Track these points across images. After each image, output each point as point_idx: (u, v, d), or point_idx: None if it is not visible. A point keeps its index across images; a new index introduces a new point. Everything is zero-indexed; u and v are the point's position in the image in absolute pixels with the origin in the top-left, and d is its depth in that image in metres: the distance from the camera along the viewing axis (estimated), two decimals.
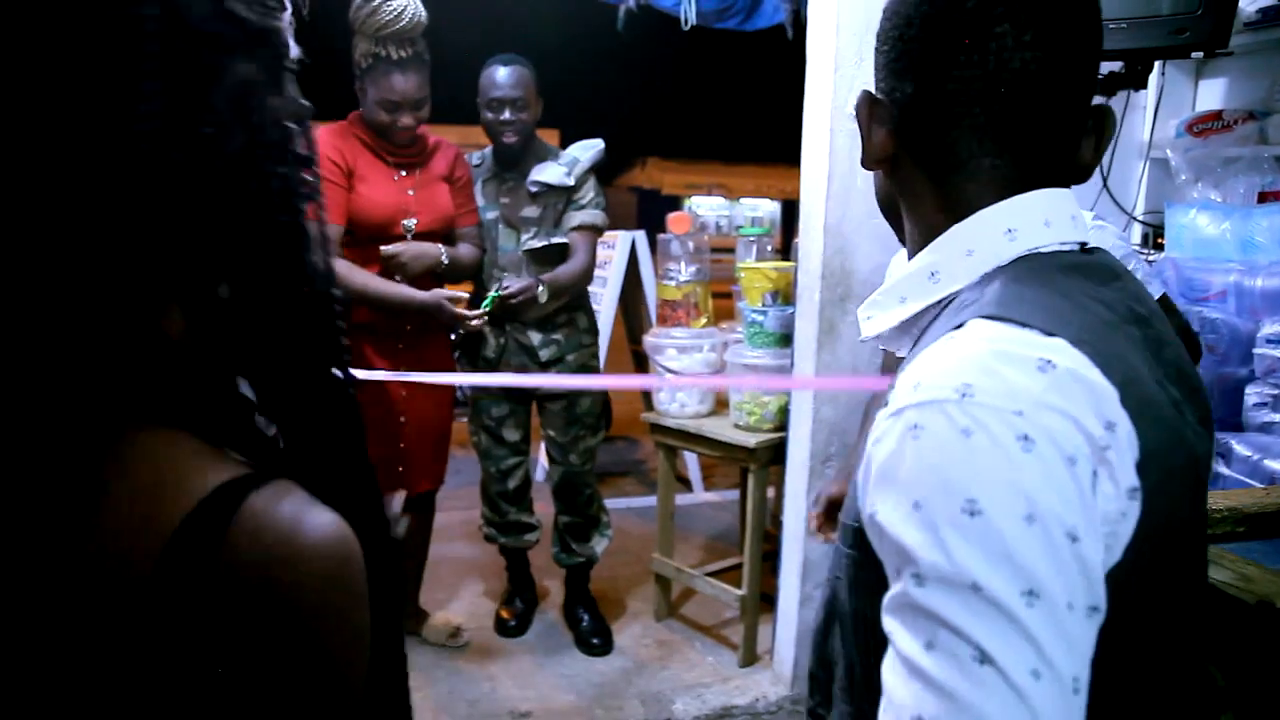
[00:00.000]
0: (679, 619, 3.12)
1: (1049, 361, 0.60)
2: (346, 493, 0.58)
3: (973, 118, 0.70)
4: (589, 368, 2.92)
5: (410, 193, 2.56)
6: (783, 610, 2.71)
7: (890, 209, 0.82)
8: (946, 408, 0.59)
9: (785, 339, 2.74)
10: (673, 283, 3.09)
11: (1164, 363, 0.69)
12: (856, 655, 0.71)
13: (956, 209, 0.73)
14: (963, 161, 0.72)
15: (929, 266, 0.74)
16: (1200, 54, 2.02)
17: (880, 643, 0.61)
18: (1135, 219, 2.54)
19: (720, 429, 2.82)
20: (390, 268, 2.47)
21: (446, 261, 2.55)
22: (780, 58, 3.19)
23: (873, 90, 0.77)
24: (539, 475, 4.63)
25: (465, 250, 2.69)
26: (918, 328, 0.76)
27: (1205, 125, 2.37)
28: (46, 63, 0.48)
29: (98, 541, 0.50)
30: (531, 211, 2.77)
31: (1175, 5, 1.89)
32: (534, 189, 2.74)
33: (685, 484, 4.40)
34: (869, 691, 0.66)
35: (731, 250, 3.43)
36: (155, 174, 0.50)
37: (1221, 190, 2.33)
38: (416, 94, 2.44)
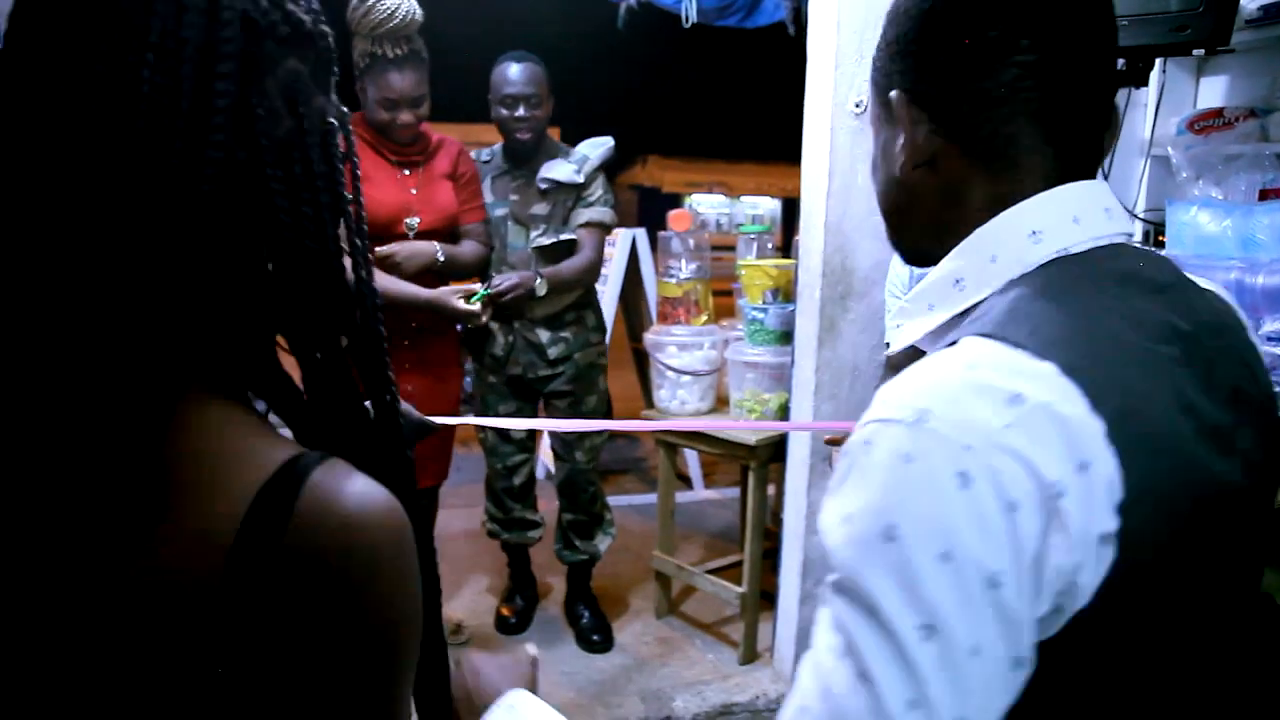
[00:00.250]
0: (679, 616, 3.12)
1: (1020, 395, 0.57)
2: (387, 470, 0.59)
3: (1029, 108, 0.68)
4: (596, 366, 2.92)
5: (413, 191, 2.56)
6: (783, 608, 2.71)
7: (909, 214, 0.77)
8: (899, 429, 0.58)
9: (786, 336, 2.74)
10: (673, 280, 3.09)
11: (1214, 385, 0.64)
12: None
13: (1001, 205, 0.70)
14: (1021, 154, 0.70)
15: (953, 273, 0.72)
16: (1201, 51, 2.01)
17: None
18: (1136, 216, 2.54)
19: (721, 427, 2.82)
20: (385, 268, 2.48)
21: (442, 258, 2.54)
22: (781, 55, 3.19)
23: (896, 90, 0.73)
24: (539, 473, 4.64)
25: (467, 247, 2.69)
26: (944, 337, 0.73)
27: (1206, 123, 2.36)
28: (142, 41, 0.52)
29: (172, 509, 0.51)
30: (541, 209, 2.77)
31: (1177, 2, 1.88)
32: (544, 186, 2.75)
33: (686, 481, 4.40)
34: None
35: (732, 248, 3.43)
36: (220, 147, 0.53)
37: (1222, 188, 2.32)
38: (414, 91, 2.45)
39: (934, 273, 0.74)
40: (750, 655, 2.83)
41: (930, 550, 0.55)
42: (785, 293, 2.81)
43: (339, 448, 0.58)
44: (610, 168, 2.96)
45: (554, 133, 2.90)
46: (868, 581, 0.56)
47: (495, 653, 0.88)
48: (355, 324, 0.63)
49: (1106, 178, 2.48)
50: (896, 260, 2.03)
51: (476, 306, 2.54)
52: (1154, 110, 2.48)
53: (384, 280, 2.46)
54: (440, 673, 0.70)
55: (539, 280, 2.67)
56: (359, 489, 0.54)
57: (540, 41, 2.78)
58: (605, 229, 2.84)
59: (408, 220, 2.55)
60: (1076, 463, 0.56)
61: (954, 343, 0.65)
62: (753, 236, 3.13)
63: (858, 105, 2.34)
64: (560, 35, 2.82)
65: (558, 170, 2.75)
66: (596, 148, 2.83)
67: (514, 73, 2.67)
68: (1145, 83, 2.29)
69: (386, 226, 2.53)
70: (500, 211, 2.78)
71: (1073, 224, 0.68)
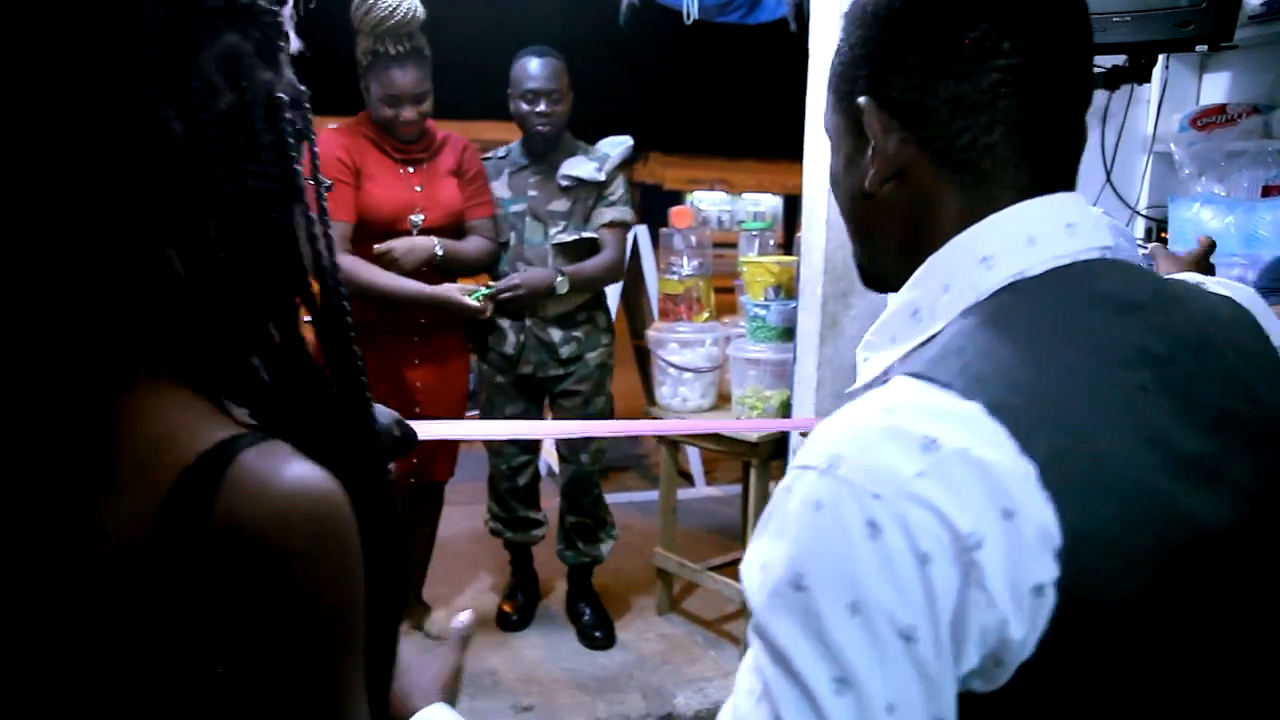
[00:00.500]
0: (681, 614, 3.13)
1: (934, 441, 0.54)
2: (345, 455, 0.59)
3: (1009, 116, 0.63)
4: (606, 367, 2.91)
5: (417, 189, 2.57)
6: None
7: (877, 233, 0.72)
8: (813, 476, 0.56)
9: (787, 333, 2.73)
10: (675, 277, 3.09)
11: (1193, 410, 0.60)
12: None
13: (965, 224, 0.66)
14: (997, 167, 0.65)
15: (911, 304, 0.68)
16: (1205, 47, 2.01)
17: None
18: (1138, 213, 2.54)
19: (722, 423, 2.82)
20: (384, 264, 2.47)
21: (441, 253, 2.54)
22: (783, 52, 3.18)
23: (865, 96, 0.67)
24: (541, 469, 4.64)
25: (472, 243, 2.67)
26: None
27: (1209, 119, 2.36)
28: (61, 21, 0.51)
29: (104, 489, 0.52)
30: (560, 205, 2.75)
31: None
32: (565, 183, 2.73)
33: (687, 479, 4.40)
34: None
35: (733, 245, 3.43)
36: (151, 123, 0.53)
37: (1225, 184, 2.32)
38: (416, 88, 2.45)
39: (894, 301, 0.70)
40: None
41: (839, 601, 0.53)
42: (787, 289, 2.81)
43: (298, 432, 0.57)
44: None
45: None
46: (779, 631, 0.54)
47: (427, 650, 0.87)
48: (314, 303, 0.63)
49: (1109, 174, 2.47)
50: None
51: (479, 302, 2.52)
52: (1156, 107, 2.48)
53: (387, 277, 2.45)
54: (385, 662, 0.69)
55: (560, 278, 2.66)
56: (291, 471, 0.54)
57: (541, 38, 2.78)
58: (627, 228, 2.84)
59: (412, 217, 2.55)
60: (999, 510, 0.53)
61: (885, 381, 0.62)
62: (755, 233, 3.12)
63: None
64: (562, 32, 2.81)
65: (579, 167, 2.73)
66: (616, 146, 2.82)
67: (534, 68, 2.66)
68: (1148, 79, 2.29)
69: (391, 223, 2.53)
70: (517, 207, 2.76)
71: (1027, 245, 0.63)
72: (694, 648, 2.89)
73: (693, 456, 4.44)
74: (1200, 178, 2.33)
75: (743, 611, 2.85)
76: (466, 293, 2.51)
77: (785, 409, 2.74)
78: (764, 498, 2.83)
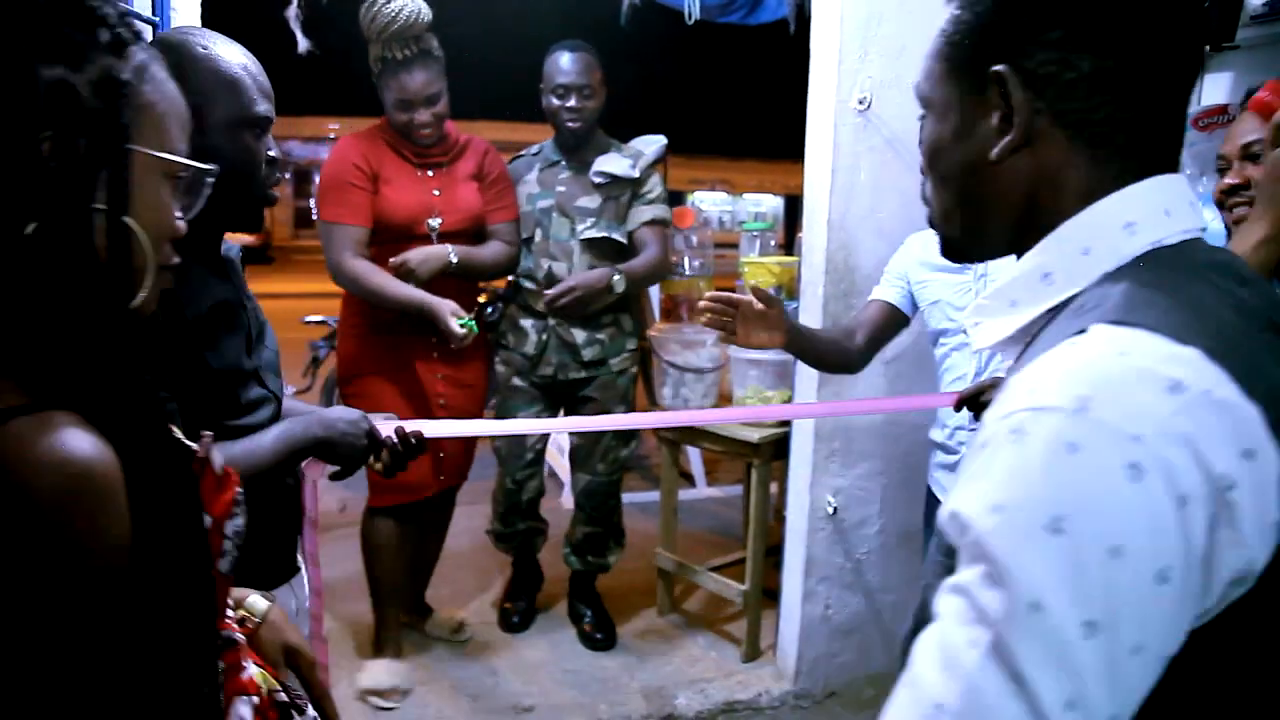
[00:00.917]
0: (682, 614, 3.13)
1: (1181, 382, 0.54)
2: (129, 426, 0.68)
3: (1143, 91, 0.66)
4: (628, 374, 2.86)
5: (435, 192, 2.55)
6: (786, 605, 2.71)
7: (991, 202, 0.73)
8: (1058, 418, 0.55)
9: None
10: (676, 277, 3.09)
11: None
12: None
13: (1093, 196, 0.68)
14: (1129, 141, 0.68)
15: (1040, 267, 0.69)
16: (1207, 47, 2.01)
17: None
18: None
19: (723, 424, 2.82)
20: (401, 275, 2.45)
21: (455, 261, 2.50)
22: (784, 52, 3.18)
23: (1005, 64, 0.68)
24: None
25: (490, 248, 2.63)
26: (1028, 334, 0.72)
27: (1211, 119, 2.35)
28: None
29: None
30: (590, 202, 2.72)
31: None
32: (598, 179, 2.70)
33: (688, 479, 4.40)
34: None
35: (734, 245, 3.43)
36: None
37: None
38: (426, 90, 2.44)
39: (1018, 267, 0.71)
40: (753, 653, 2.83)
41: (1101, 544, 0.52)
42: (788, 290, 2.81)
43: (86, 408, 0.66)
44: None
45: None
46: (1029, 574, 0.53)
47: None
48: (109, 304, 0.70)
49: None
50: (914, 247, 2.02)
51: (465, 331, 2.36)
52: None
53: (392, 283, 2.43)
54: (199, 618, 0.75)
55: (616, 276, 2.62)
56: (51, 436, 0.62)
57: (542, 38, 2.77)
58: (667, 225, 2.81)
59: (430, 221, 2.53)
60: (1241, 450, 0.54)
61: (1034, 338, 0.66)
62: (756, 234, 3.12)
63: (860, 102, 2.33)
64: (562, 32, 2.81)
65: (613, 164, 2.70)
66: (650, 144, 2.79)
67: (566, 62, 2.64)
68: None
69: (408, 227, 2.51)
70: (545, 203, 2.73)
71: (1164, 216, 0.66)
72: (695, 648, 2.89)
73: (694, 457, 4.43)
74: (1202, 178, 2.33)
75: (744, 611, 2.85)
76: (458, 317, 2.38)
77: None
78: (765, 498, 2.83)
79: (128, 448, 0.66)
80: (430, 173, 2.57)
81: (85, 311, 0.69)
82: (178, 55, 1.24)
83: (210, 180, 0.84)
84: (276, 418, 1.41)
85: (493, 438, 2.91)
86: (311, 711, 1.03)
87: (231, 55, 1.30)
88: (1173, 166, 0.69)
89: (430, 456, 2.60)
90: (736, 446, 2.80)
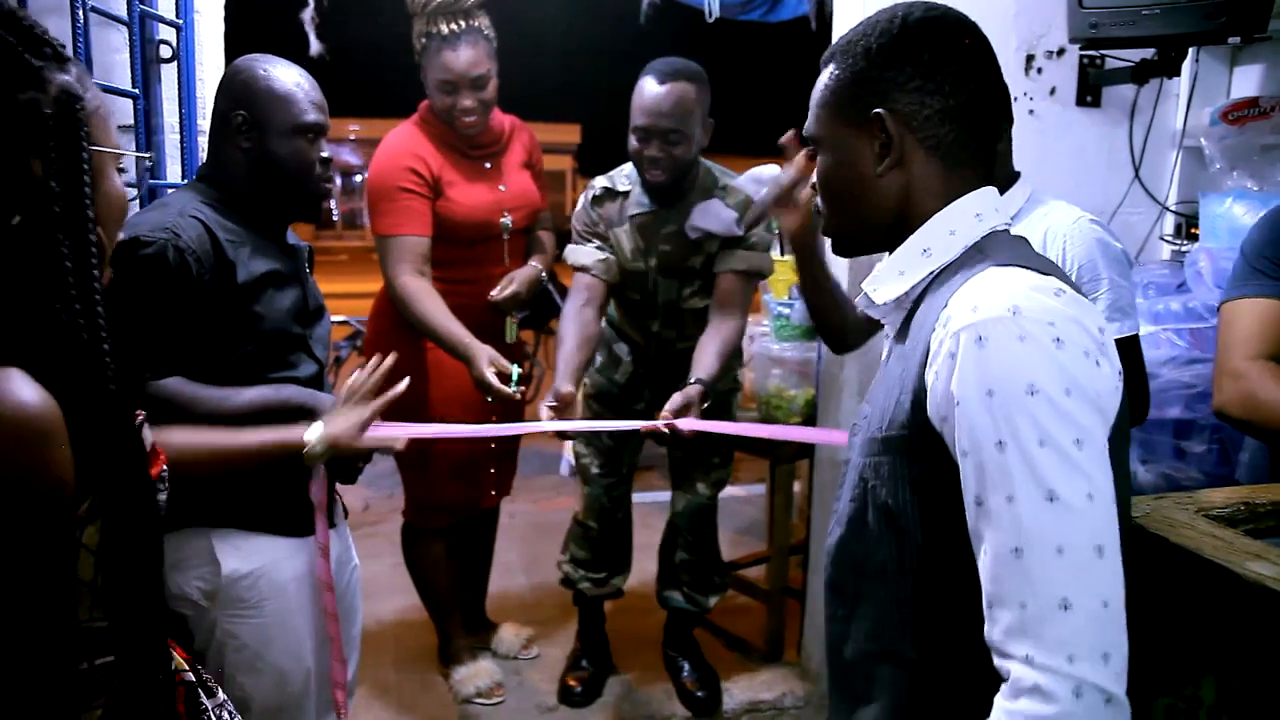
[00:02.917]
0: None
1: (1060, 289, 0.86)
2: (75, 383, 0.78)
3: (973, 124, 0.96)
4: (734, 393, 2.59)
5: (501, 189, 2.43)
6: (810, 606, 2.69)
7: (873, 207, 0.99)
8: (1004, 322, 0.82)
9: (812, 332, 2.72)
10: None
11: None
12: (893, 544, 0.93)
13: (950, 197, 0.96)
14: (967, 158, 0.97)
15: (920, 244, 0.97)
16: (1237, 39, 1.98)
17: (920, 525, 0.90)
18: (1168, 209, 2.50)
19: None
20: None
21: (545, 275, 2.41)
22: (804, 50, 3.16)
23: (881, 108, 0.95)
24: (564, 470, 4.62)
25: (547, 241, 2.57)
26: (910, 300, 0.98)
27: (1241, 112, 2.32)
28: None
29: None
30: (696, 261, 2.29)
31: None
32: (694, 235, 2.25)
33: None
34: (904, 568, 0.92)
35: None
36: None
37: (1258, 179, 2.28)
38: (471, 70, 2.25)
39: (905, 246, 0.98)
40: (776, 653, 2.81)
41: (1060, 389, 0.80)
42: None
43: (33, 365, 0.76)
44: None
45: (575, 130, 2.83)
46: (1031, 423, 0.79)
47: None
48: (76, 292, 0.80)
49: (1137, 170, 2.45)
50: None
51: (512, 390, 2.10)
52: (1186, 100, 2.44)
53: (441, 315, 2.23)
54: (139, 561, 0.84)
55: (703, 397, 2.04)
56: None
57: (562, 37, 2.77)
58: (760, 277, 2.34)
59: (502, 220, 2.41)
60: (1098, 327, 0.86)
61: (915, 304, 0.97)
62: (777, 231, 3.10)
63: None
64: (582, 31, 2.79)
65: (712, 218, 2.23)
66: (761, 184, 2.08)
67: (651, 96, 2.11)
68: (1177, 72, 2.26)
69: (483, 228, 2.39)
70: (651, 261, 2.30)
71: (995, 211, 0.98)
72: (718, 648, 2.88)
73: None
74: (1232, 172, 2.30)
75: (767, 611, 2.83)
76: (499, 372, 2.11)
77: (810, 408, 2.72)
78: (788, 497, 2.82)
79: (71, 402, 0.77)
80: (488, 165, 2.42)
81: (56, 286, 0.79)
82: (244, 76, 1.55)
83: (148, 164, 1.03)
84: (318, 380, 1.64)
85: (581, 459, 2.59)
86: (222, 695, 1.10)
87: (287, 75, 1.56)
88: (991, 179, 0.99)
89: (480, 475, 2.55)
90: (760, 445, 2.78)
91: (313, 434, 1.45)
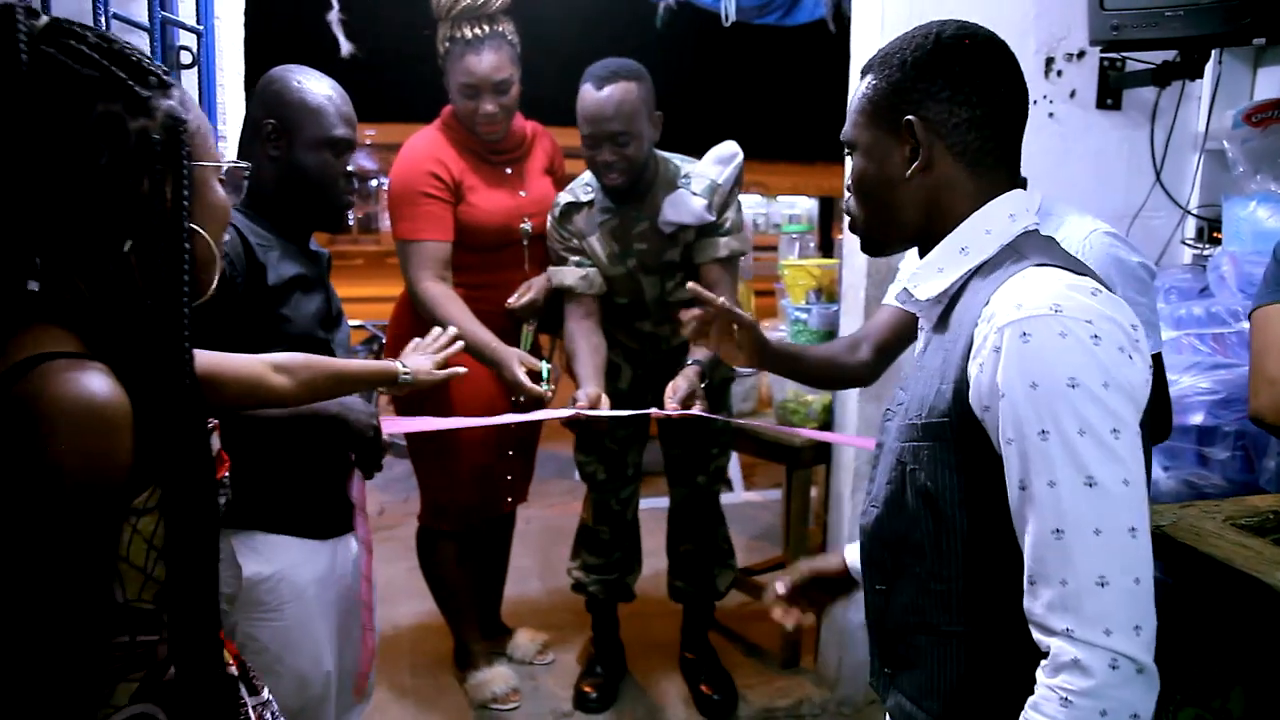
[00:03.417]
0: (720, 619, 3.09)
1: (1097, 289, 0.92)
2: (150, 385, 0.85)
3: (998, 132, 1.03)
4: (728, 381, 2.61)
5: (522, 194, 2.43)
6: (827, 612, 2.67)
7: (903, 209, 1.05)
8: (1046, 319, 0.88)
9: (829, 336, 2.71)
10: None
11: None
12: (931, 523, 0.99)
13: (979, 199, 1.02)
14: (995, 164, 1.03)
15: (959, 243, 1.03)
16: (1262, 40, 1.96)
17: (960, 506, 0.96)
18: (1190, 213, 2.48)
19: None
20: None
21: (552, 281, 2.40)
22: (821, 52, 3.15)
23: (912, 115, 1.02)
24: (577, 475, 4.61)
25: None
26: (948, 295, 1.04)
27: (1265, 114, 2.29)
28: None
29: None
30: (674, 254, 2.31)
31: None
32: (668, 229, 2.26)
33: (726, 483, 4.36)
34: (941, 546, 0.98)
35: (770, 248, 3.41)
36: (40, 174, 0.83)
37: None
38: (494, 74, 2.26)
39: (943, 244, 1.04)
40: (793, 660, 2.80)
41: (1099, 382, 0.86)
42: (829, 293, 2.78)
43: (117, 363, 0.84)
44: None
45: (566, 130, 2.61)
46: (1072, 413, 0.85)
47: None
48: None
49: (1159, 173, 2.43)
50: (908, 258, 1.98)
51: (545, 389, 2.12)
52: (1209, 103, 2.42)
53: (450, 309, 2.24)
54: (201, 557, 0.90)
55: (703, 379, 2.09)
56: (73, 374, 0.79)
57: (578, 41, 2.75)
58: (742, 255, 2.39)
59: (522, 225, 2.41)
60: (1132, 324, 0.91)
61: (952, 300, 1.03)
62: (795, 236, 3.10)
63: None
64: (598, 35, 2.79)
65: (682, 210, 2.24)
66: (724, 164, 2.29)
67: (591, 104, 2.12)
68: (1200, 74, 2.24)
69: (502, 233, 2.39)
70: (630, 263, 2.32)
71: (1025, 212, 1.03)
72: (734, 654, 2.87)
73: (732, 460, 4.40)
74: (1256, 175, 2.27)
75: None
76: (530, 370, 2.15)
77: (827, 413, 2.71)
78: (804, 503, 2.80)
79: (153, 402, 0.84)
80: (509, 170, 2.42)
81: (151, 297, 0.87)
82: (277, 86, 1.59)
83: (247, 173, 1.08)
84: None
85: (585, 468, 2.56)
86: (267, 694, 1.15)
87: (319, 88, 1.60)
88: (1018, 182, 1.05)
89: (496, 479, 2.55)
90: (776, 450, 2.77)
91: (402, 366, 1.60)
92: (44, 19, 0.85)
